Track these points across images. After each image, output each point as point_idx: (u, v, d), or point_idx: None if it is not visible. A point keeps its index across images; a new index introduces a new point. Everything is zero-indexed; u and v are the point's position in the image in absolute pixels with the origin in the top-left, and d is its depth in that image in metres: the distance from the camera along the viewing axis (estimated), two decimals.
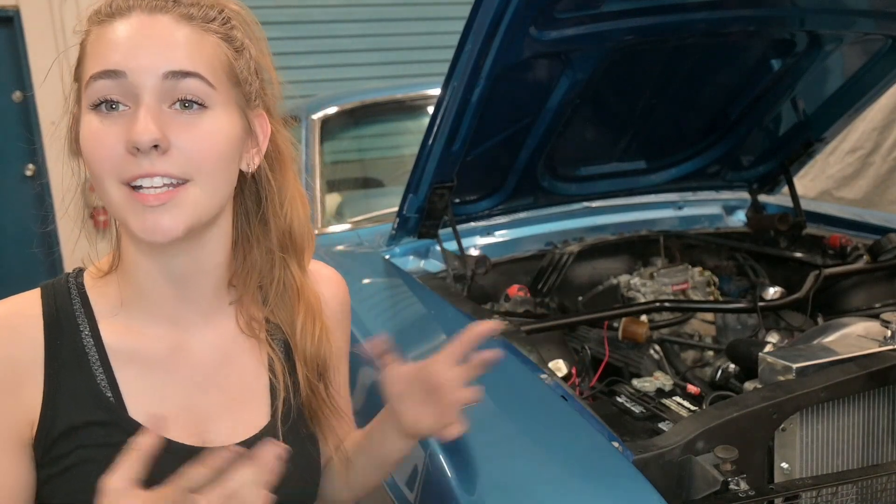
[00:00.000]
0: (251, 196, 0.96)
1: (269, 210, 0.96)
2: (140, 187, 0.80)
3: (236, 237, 0.95)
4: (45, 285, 0.92)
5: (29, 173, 5.07)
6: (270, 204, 0.96)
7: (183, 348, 0.93)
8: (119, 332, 0.90)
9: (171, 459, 0.86)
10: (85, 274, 0.94)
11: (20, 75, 4.91)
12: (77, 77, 0.87)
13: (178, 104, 0.82)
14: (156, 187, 0.80)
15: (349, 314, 1.11)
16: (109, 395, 0.87)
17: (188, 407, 0.91)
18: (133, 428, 0.86)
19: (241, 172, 0.91)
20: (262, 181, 0.95)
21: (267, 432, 0.93)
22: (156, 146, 0.79)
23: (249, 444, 0.91)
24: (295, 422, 0.96)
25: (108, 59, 0.81)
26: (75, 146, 0.89)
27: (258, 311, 0.98)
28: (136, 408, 0.88)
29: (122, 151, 0.80)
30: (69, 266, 0.98)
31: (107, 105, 0.81)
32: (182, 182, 0.82)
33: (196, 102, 0.82)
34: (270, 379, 0.96)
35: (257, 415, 0.95)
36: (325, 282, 1.06)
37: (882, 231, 2.08)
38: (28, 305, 0.89)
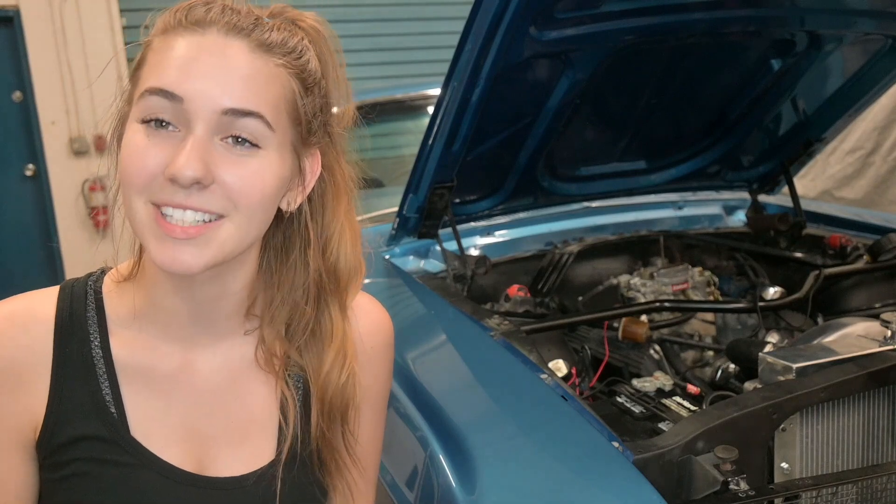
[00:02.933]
0: (282, 233, 0.90)
1: (307, 252, 0.89)
2: (168, 216, 0.76)
3: (261, 266, 0.91)
4: (64, 285, 0.90)
5: (29, 173, 5.07)
6: (309, 248, 0.89)
7: (191, 368, 0.90)
8: (129, 345, 0.88)
9: (167, 484, 0.86)
10: (106, 277, 0.92)
11: (20, 75, 4.91)
12: (133, 79, 0.81)
13: (230, 139, 0.78)
14: (185, 220, 0.76)
15: (388, 356, 1.01)
16: (113, 410, 0.86)
17: (190, 430, 0.89)
18: (132, 447, 0.85)
19: (279, 209, 0.86)
20: (302, 224, 0.89)
21: (268, 471, 0.89)
22: (196, 182, 0.75)
23: (248, 479, 0.89)
24: (301, 466, 0.91)
25: (168, 78, 0.76)
26: (115, 146, 0.84)
27: (281, 348, 0.92)
28: (138, 426, 0.86)
29: (159, 176, 0.76)
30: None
31: (156, 123, 0.77)
32: (217, 218, 0.78)
33: (249, 141, 0.78)
34: (280, 418, 0.91)
35: (261, 451, 0.91)
36: (364, 315, 0.98)
37: (882, 231, 2.08)
38: (42, 305, 0.87)
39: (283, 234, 0.90)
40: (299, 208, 0.89)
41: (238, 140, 0.78)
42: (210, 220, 0.78)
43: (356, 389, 0.93)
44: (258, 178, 0.79)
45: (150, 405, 0.88)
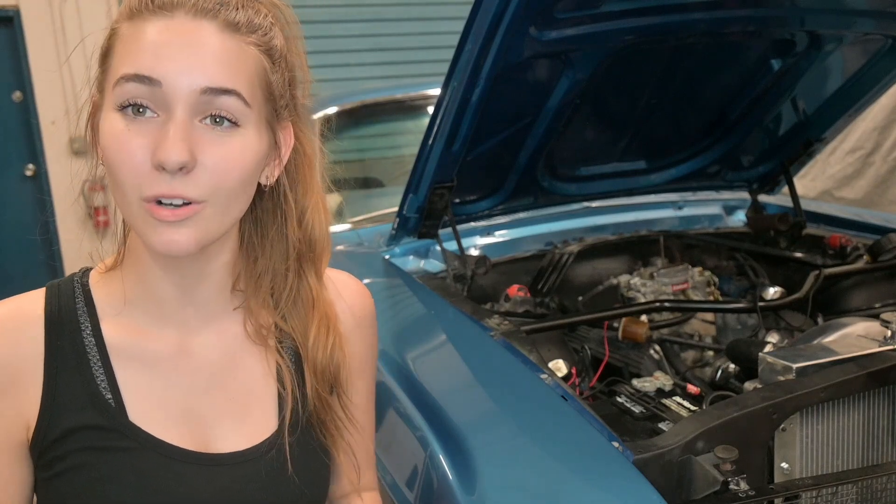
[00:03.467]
0: (263, 206, 0.92)
1: (286, 223, 0.92)
2: (159, 202, 0.78)
3: (242, 241, 0.93)
4: (50, 284, 0.91)
5: (29, 173, 5.07)
6: (288, 218, 0.92)
7: (187, 350, 0.91)
8: (122, 330, 0.89)
9: (171, 464, 0.85)
10: (91, 272, 0.93)
11: (20, 75, 4.92)
12: (104, 65, 0.82)
13: (208, 119, 0.79)
14: (174, 205, 0.78)
15: (373, 325, 1.06)
16: (109, 397, 0.85)
17: (190, 410, 0.89)
18: (131, 432, 0.85)
19: (259, 184, 0.88)
20: (281, 196, 0.92)
21: (273, 441, 0.91)
22: (182, 167, 0.76)
23: (254, 452, 0.90)
24: (304, 432, 0.93)
25: (143, 63, 0.77)
26: (92, 136, 0.85)
27: (268, 318, 0.94)
28: (136, 410, 0.86)
29: (146, 166, 0.77)
30: (69, 266, 0.98)
31: (134, 108, 0.78)
32: (198, 202, 0.79)
33: (229, 120, 0.79)
34: (278, 387, 0.93)
35: (264, 423, 0.92)
36: (345, 290, 1.02)
37: (882, 231, 2.08)
38: (31, 305, 0.87)
39: (262, 207, 0.92)
40: (278, 181, 0.91)
41: (217, 119, 0.79)
42: (194, 203, 0.79)
43: (344, 355, 0.97)
44: (239, 158, 0.80)
45: (147, 388, 0.88)
